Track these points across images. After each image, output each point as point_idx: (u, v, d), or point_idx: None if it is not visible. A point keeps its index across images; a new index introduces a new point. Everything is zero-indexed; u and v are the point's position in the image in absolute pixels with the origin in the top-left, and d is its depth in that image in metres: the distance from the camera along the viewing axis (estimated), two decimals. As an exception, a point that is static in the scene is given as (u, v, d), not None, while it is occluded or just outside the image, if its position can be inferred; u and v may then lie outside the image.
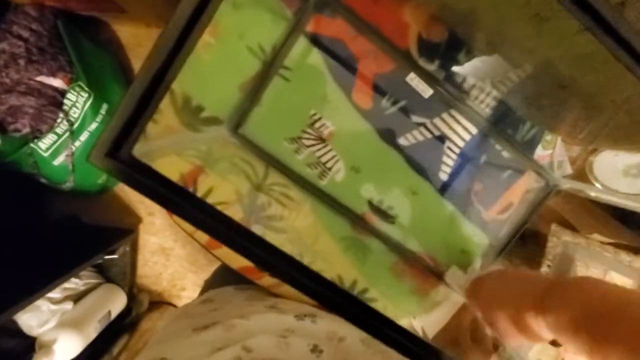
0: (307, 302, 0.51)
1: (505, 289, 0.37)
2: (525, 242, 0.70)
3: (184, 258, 1.04)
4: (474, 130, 0.47)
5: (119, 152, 0.20)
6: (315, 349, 0.35)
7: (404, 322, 0.81)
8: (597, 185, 0.58)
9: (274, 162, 0.47)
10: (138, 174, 0.20)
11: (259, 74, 0.45)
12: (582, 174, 0.63)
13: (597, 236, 0.62)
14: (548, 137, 0.52)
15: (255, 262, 0.24)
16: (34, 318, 0.74)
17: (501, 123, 0.47)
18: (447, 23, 0.45)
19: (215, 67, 0.45)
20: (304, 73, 0.46)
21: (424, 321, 0.77)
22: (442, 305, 0.61)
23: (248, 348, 0.33)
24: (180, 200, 0.21)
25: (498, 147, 0.48)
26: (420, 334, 0.79)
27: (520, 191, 0.50)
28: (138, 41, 0.91)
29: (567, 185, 0.51)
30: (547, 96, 0.43)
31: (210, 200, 0.49)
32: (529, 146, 0.49)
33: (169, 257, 1.03)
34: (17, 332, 0.74)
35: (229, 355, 0.31)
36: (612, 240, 0.61)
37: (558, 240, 0.65)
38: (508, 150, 0.48)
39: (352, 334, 0.39)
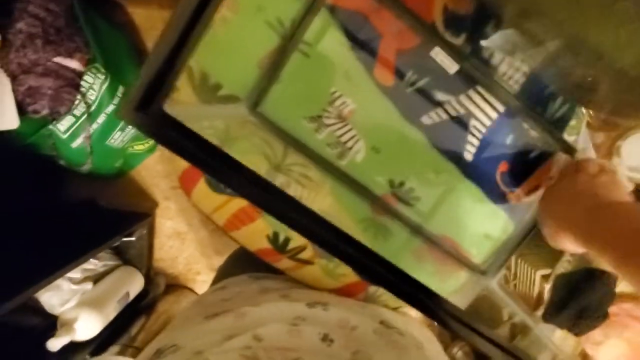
0: (322, 287, 0.51)
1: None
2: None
3: (199, 242, 1.05)
4: (502, 108, 0.45)
5: (150, 107, 0.19)
6: (325, 338, 0.34)
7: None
8: (625, 169, 0.56)
9: (293, 142, 0.46)
10: (169, 130, 0.19)
11: (278, 49, 0.44)
12: (611, 158, 0.60)
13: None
14: (572, 122, 0.50)
15: (288, 223, 0.23)
16: (56, 297, 0.76)
17: (530, 100, 0.45)
18: (475, -6, 0.43)
19: (233, 43, 0.44)
20: (325, 48, 0.44)
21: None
22: (463, 290, 0.59)
23: (258, 337, 0.32)
24: (212, 160, 0.20)
25: (526, 125, 0.46)
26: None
27: (548, 172, 0.48)
28: (152, 24, 0.90)
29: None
30: (577, 72, 0.41)
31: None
32: (559, 125, 0.47)
33: (184, 241, 1.05)
34: (40, 310, 0.77)
35: (240, 344, 0.31)
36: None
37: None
38: (536, 129, 0.46)
39: (364, 324, 0.39)
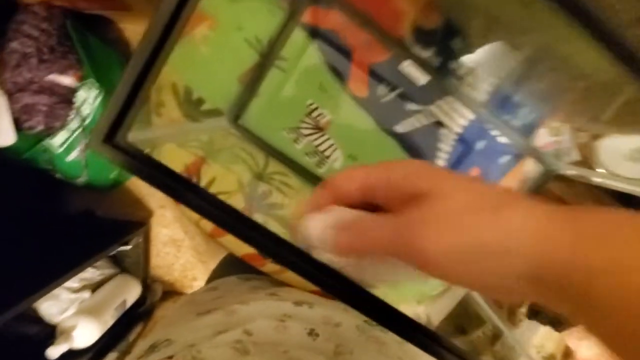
0: (307, 289, 0.53)
1: None
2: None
3: (194, 249, 1.07)
4: (471, 116, 0.47)
5: (115, 138, 0.21)
6: (311, 333, 0.36)
7: (406, 307, 0.82)
8: (601, 170, 0.58)
9: (273, 152, 0.49)
10: (135, 159, 0.22)
11: (257, 65, 0.46)
12: (588, 158, 0.62)
13: (600, 221, 0.61)
14: (555, 123, 0.52)
15: (255, 247, 0.25)
16: (54, 306, 0.78)
17: (498, 108, 0.47)
18: (442, 9, 0.45)
19: (214, 60, 0.46)
20: (301, 63, 0.46)
21: (429, 309, 0.78)
22: (447, 293, 0.62)
23: (248, 332, 0.34)
24: (176, 185, 0.23)
25: (495, 132, 0.48)
26: (425, 320, 0.80)
27: (518, 177, 0.50)
28: (144, 38, 0.93)
29: (567, 171, 0.51)
30: (544, 80, 0.43)
31: (213, 189, 0.51)
32: (527, 131, 0.49)
33: (180, 248, 1.07)
34: (39, 319, 0.79)
35: (231, 339, 0.33)
36: (615, 225, 0.61)
37: (561, 226, 0.65)
38: (505, 136, 0.48)
39: (347, 321, 0.40)
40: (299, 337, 0.35)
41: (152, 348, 0.34)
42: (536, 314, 0.73)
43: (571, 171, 0.52)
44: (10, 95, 0.68)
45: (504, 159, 0.49)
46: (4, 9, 0.69)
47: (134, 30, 0.90)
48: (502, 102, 0.48)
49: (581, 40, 0.28)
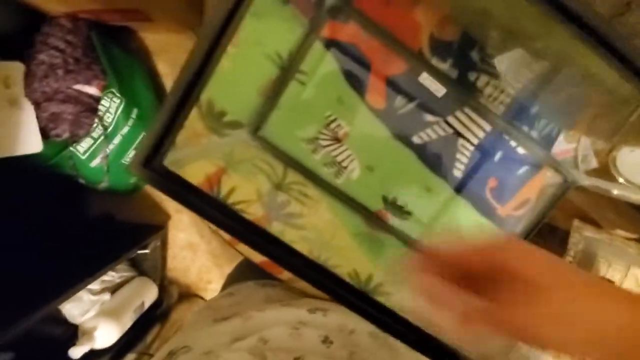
0: (323, 297, 0.54)
1: None
2: (546, 239, 0.70)
3: (210, 253, 1.09)
4: (488, 128, 0.48)
5: (153, 163, 0.23)
6: (326, 340, 0.36)
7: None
8: (620, 180, 0.57)
9: (292, 163, 0.50)
10: (168, 181, 0.23)
11: (277, 79, 0.47)
12: (607, 168, 0.61)
13: (620, 232, 0.61)
14: (572, 131, 0.52)
15: (271, 258, 0.26)
16: (77, 308, 0.81)
17: (516, 120, 0.47)
18: (459, 22, 0.45)
19: (235, 74, 0.48)
20: (319, 77, 0.47)
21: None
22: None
23: (264, 339, 0.35)
24: (203, 204, 0.24)
25: (513, 143, 0.48)
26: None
27: (536, 187, 0.50)
28: (164, 47, 0.95)
29: (586, 182, 0.50)
30: (563, 91, 0.43)
31: (232, 199, 0.52)
32: (546, 142, 0.49)
33: (196, 252, 1.09)
34: (62, 320, 0.82)
35: (247, 345, 0.33)
36: (635, 236, 0.60)
37: (580, 236, 0.64)
38: (523, 147, 0.48)
39: (361, 327, 0.41)
40: (314, 344, 0.36)
41: (171, 355, 0.35)
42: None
43: (590, 182, 0.52)
44: (37, 104, 0.70)
45: (522, 170, 0.49)
46: (31, 21, 0.72)
47: (155, 39, 0.92)
48: (520, 113, 0.48)
49: (588, 49, 0.28)
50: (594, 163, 0.55)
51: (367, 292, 0.56)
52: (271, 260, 0.25)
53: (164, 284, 1.06)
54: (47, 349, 0.76)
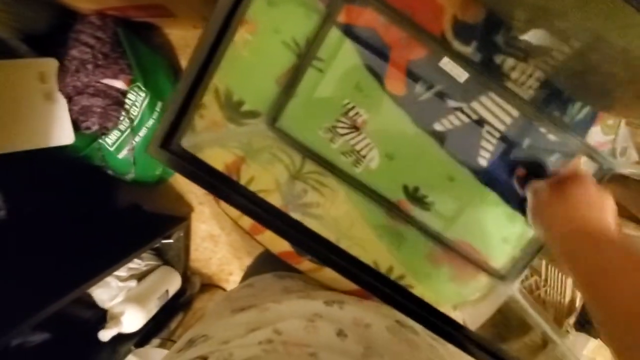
0: (341, 289, 0.53)
1: None
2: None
3: (230, 245, 1.11)
4: (515, 113, 0.45)
5: (170, 144, 0.23)
6: (340, 333, 0.36)
7: (443, 310, 0.80)
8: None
9: (309, 152, 0.49)
10: (186, 162, 0.23)
11: (294, 66, 0.47)
12: (648, 159, 0.57)
13: (662, 226, 0.56)
14: (610, 121, 0.48)
15: (293, 243, 0.26)
16: (105, 293, 0.84)
17: (546, 105, 0.45)
18: (484, 2, 0.43)
19: (253, 63, 0.48)
20: (337, 63, 0.47)
21: (466, 313, 0.75)
22: (486, 300, 0.59)
23: (278, 331, 0.35)
24: (223, 186, 0.24)
25: (543, 130, 0.46)
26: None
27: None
28: (187, 42, 0.98)
29: (624, 169, 0.47)
30: (597, 73, 0.40)
31: (251, 188, 0.52)
32: (580, 128, 0.46)
33: (217, 243, 1.11)
34: (92, 304, 0.86)
35: (262, 337, 0.33)
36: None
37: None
38: (555, 133, 0.45)
39: (378, 322, 0.40)
40: (328, 337, 0.35)
41: (191, 342, 0.36)
42: (584, 324, 0.68)
43: (630, 169, 0.48)
44: (69, 98, 0.74)
45: (554, 158, 0.46)
46: (63, 19, 0.76)
47: (179, 34, 0.94)
48: (550, 98, 0.45)
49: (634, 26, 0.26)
50: (634, 155, 0.51)
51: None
52: (292, 244, 0.25)
53: (186, 273, 1.10)
54: (79, 331, 0.80)
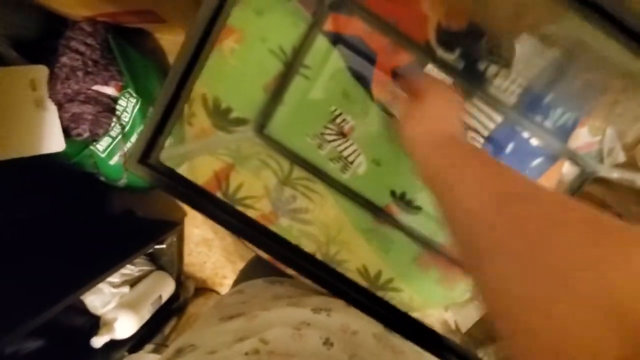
0: (328, 293, 0.54)
1: None
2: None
3: (224, 249, 1.12)
4: (499, 119, 0.46)
5: (149, 158, 0.23)
6: (327, 342, 0.36)
7: (433, 312, 0.80)
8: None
9: (297, 158, 0.50)
10: (165, 177, 0.24)
11: (281, 74, 0.48)
12: (633, 160, 0.58)
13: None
14: (596, 122, 0.49)
15: (273, 255, 0.26)
16: (98, 299, 0.84)
17: (529, 110, 0.46)
18: (467, 11, 0.44)
19: (240, 71, 0.48)
20: (324, 71, 0.47)
21: (457, 315, 0.75)
22: (477, 300, 0.60)
23: (265, 340, 0.35)
24: (202, 200, 0.24)
25: (526, 135, 0.46)
26: (452, 327, 0.78)
27: (553, 180, 0.48)
28: (177, 48, 0.98)
29: (607, 173, 0.48)
30: (577, 79, 0.41)
31: (241, 194, 0.53)
32: (562, 132, 0.46)
33: (211, 247, 1.11)
34: (84, 311, 0.86)
35: (248, 347, 0.33)
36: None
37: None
38: (537, 138, 0.46)
39: (364, 329, 0.40)
40: (314, 346, 0.35)
41: (178, 352, 0.36)
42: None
43: (612, 173, 0.49)
44: (60, 105, 0.74)
45: (537, 162, 0.47)
46: (53, 26, 0.76)
47: (170, 40, 0.95)
48: (533, 103, 0.46)
49: (603, 33, 0.26)
50: (621, 156, 0.52)
51: (375, 289, 0.55)
52: (273, 257, 0.25)
53: (180, 278, 1.09)
54: (72, 338, 0.80)
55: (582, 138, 0.48)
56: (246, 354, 0.33)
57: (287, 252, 0.25)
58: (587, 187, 0.51)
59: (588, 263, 0.18)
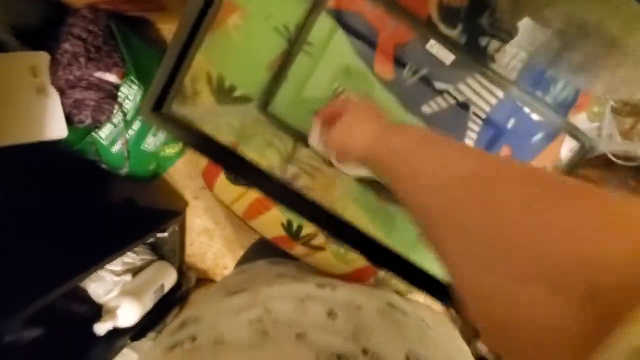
0: (333, 273, 0.54)
1: None
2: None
3: (225, 238, 1.12)
4: (500, 94, 0.47)
5: (162, 109, 0.24)
6: (331, 314, 0.36)
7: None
8: (646, 150, 0.54)
9: (301, 136, 0.50)
10: (176, 125, 0.24)
11: (285, 52, 0.48)
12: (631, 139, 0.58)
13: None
14: (595, 108, 0.50)
15: (279, 202, 0.27)
16: (101, 287, 0.84)
17: (529, 85, 0.46)
18: (469, -14, 0.45)
19: (244, 48, 0.49)
20: (327, 48, 0.48)
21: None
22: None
23: (269, 310, 0.35)
24: (214, 149, 0.25)
25: (527, 110, 0.47)
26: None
27: (553, 154, 0.49)
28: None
29: (606, 147, 0.48)
30: (577, 52, 0.42)
31: (244, 173, 0.53)
32: (562, 107, 0.47)
33: (212, 237, 1.12)
34: (87, 300, 0.86)
35: (253, 315, 0.34)
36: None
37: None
38: (538, 113, 0.47)
39: (369, 304, 0.41)
40: (318, 317, 0.35)
41: (183, 324, 0.36)
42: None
43: (611, 147, 0.49)
44: (62, 92, 0.74)
45: (538, 137, 0.48)
46: (54, 13, 0.76)
47: (171, 30, 0.95)
48: (533, 78, 0.46)
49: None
50: (619, 141, 0.53)
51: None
52: (287, 208, 0.26)
53: (182, 268, 1.10)
54: (75, 326, 0.80)
55: (581, 124, 0.48)
56: (250, 322, 0.33)
57: (292, 198, 0.26)
58: (584, 170, 0.52)
59: (543, 225, 0.17)
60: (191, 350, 0.31)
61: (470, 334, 1.01)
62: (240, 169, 0.25)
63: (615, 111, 0.52)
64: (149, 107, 0.23)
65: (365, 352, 0.31)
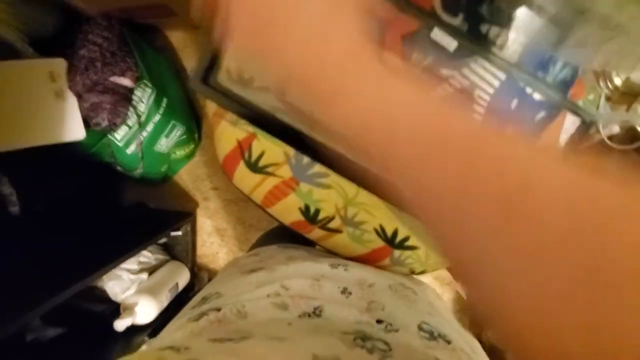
0: (350, 255, 0.56)
1: None
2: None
3: (236, 238, 1.14)
4: (503, 76, 0.50)
5: (208, 80, 0.26)
6: (345, 291, 0.38)
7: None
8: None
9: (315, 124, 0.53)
10: (222, 95, 0.27)
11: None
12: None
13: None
14: (590, 96, 0.53)
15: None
16: (118, 286, 0.86)
17: (530, 66, 0.49)
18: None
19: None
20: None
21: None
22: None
23: (286, 286, 0.37)
24: (258, 116, 0.27)
25: (529, 89, 0.50)
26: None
27: (556, 132, 0.52)
28: (186, 44, 1.02)
29: (606, 120, 0.51)
30: (575, 31, 0.45)
31: (262, 162, 0.56)
32: (562, 86, 0.50)
33: (224, 237, 1.14)
34: (105, 299, 0.87)
35: (270, 290, 0.36)
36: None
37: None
38: (539, 92, 0.50)
39: (381, 281, 0.43)
40: (332, 293, 0.37)
41: (204, 300, 0.38)
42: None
43: (612, 119, 0.52)
44: (79, 96, 0.77)
45: (540, 115, 0.51)
46: (70, 22, 0.80)
47: (179, 37, 0.99)
48: (534, 60, 0.49)
49: None
50: (616, 129, 0.56)
51: (392, 247, 0.58)
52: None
53: (194, 269, 1.11)
54: (94, 324, 0.81)
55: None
56: (268, 295, 0.35)
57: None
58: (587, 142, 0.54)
59: None
60: (218, 318, 0.33)
61: (480, 325, 1.03)
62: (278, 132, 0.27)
63: (609, 99, 0.55)
64: (198, 78, 0.26)
65: (379, 321, 0.33)
